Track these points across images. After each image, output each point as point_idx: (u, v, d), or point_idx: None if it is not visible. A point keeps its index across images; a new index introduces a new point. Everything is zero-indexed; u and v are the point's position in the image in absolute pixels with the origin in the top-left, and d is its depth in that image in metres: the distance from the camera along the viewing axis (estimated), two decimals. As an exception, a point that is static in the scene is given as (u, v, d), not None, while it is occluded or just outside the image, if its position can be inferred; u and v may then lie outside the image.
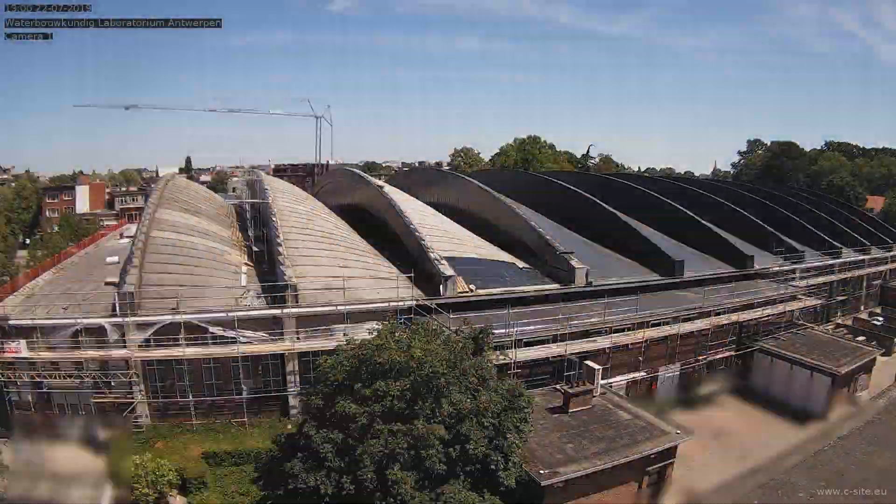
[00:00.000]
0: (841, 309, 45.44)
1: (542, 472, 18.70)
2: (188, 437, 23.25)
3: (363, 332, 24.78)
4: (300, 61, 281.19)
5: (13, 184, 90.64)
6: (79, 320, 23.25)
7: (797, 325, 36.02)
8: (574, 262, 30.01)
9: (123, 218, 75.83)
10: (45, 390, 23.76)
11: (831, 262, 43.51)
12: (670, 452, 21.56)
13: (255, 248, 32.75)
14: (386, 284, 27.81)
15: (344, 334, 25.06)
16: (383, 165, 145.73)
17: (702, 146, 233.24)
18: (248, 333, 24.55)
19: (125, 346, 23.51)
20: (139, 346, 23.56)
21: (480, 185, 40.53)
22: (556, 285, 29.80)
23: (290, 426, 22.78)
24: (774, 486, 23.02)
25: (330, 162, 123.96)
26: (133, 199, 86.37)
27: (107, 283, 26.30)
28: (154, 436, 23.23)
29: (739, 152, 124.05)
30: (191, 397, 24.46)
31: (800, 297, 36.41)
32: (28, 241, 62.85)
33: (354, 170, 53.06)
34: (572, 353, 26.14)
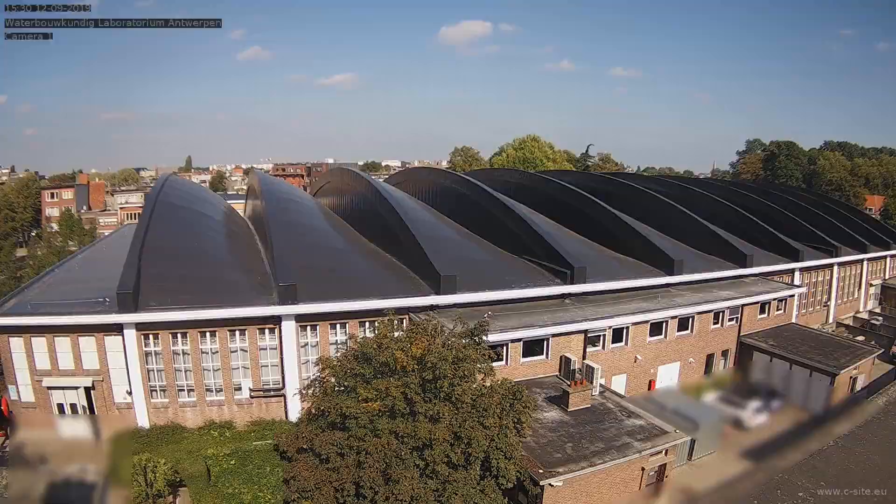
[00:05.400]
0: (840, 308, 45.52)
1: (541, 471, 18.72)
2: (188, 437, 23.23)
3: (363, 331, 25.14)
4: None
5: (13, 183, 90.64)
6: (78, 319, 23.21)
7: (796, 324, 36.13)
8: (573, 262, 30.01)
9: (123, 217, 76.11)
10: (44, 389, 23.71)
11: (830, 261, 43.55)
12: (669, 452, 21.57)
13: (254, 248, 32.74)
14: (385, 283, 27.83)
15: (345, 333, 25.37)
16: (383, 165, 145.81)
17: (701, 146, 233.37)
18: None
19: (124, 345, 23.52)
20: (138, 344, 23.55)
21: (480, 184, 40.49)
22: (555, 285, 29.78)
23: (291, 426, 22.76)
24: (774, 485, 22.99)
25: (329, 162, 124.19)
26: (133, 199, 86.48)
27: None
28: (153, 434, 23.21)
29: (738, 152, 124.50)
30: (189, 397, 24.48)
31: (798, 296, 36.46)
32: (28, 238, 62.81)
33: (353, 169, 53.04)
34: (571, 353, 26.18)
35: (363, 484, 16.41)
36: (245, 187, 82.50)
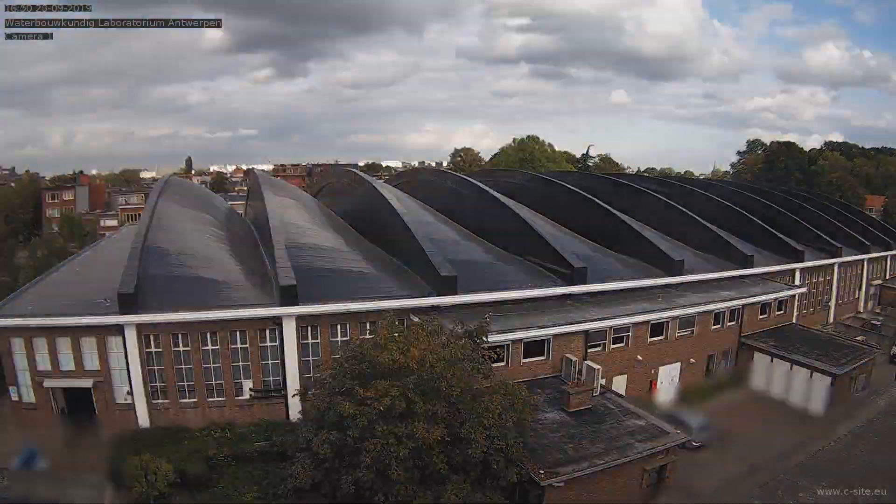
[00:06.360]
0: (840, 308, 45.51)
1: (541, 472, 18.72)
2: (189, 437, 23.22)
3: (364, 331, 25.13)
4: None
5: (13, 184, 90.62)
6: (77, 319, 23.20)
7: (797, 324, 36.15)
8: (574, 263, 30.02)
9: (124, 218, 76.09)
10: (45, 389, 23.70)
11: (831, 261, 43.55)
12: (670, 452, 21.57)
13: (255, 248, 32.74)
14: (386, 284, 27.83)
15: (345, 334, 25.36)
16: (384, 166, 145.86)
17: (702, 146, 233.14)
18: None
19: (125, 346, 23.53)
20: (139, 345, 23.55)
21: (480, 185, 40.54)
22: (556, 286, 29.79)
23: (291, 426, 22.74)
24: (774, 485, 23.06)
25: (330, 162, 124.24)
26: (133, 200, 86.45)
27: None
28: (154, 435, 23.20)
29: (739, 152, 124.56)
30: (190, 397, 24.48)
31: (799, 296, 36.46)
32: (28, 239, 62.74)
33: (353, 170, 53.13)
34: (572, 354, 26.17)
35: (361, 485, 16.41)
36: (246, 188, 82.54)
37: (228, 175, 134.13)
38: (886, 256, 50.55)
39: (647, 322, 28.50)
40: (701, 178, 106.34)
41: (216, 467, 21.63)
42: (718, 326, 31.51)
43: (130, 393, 23.86)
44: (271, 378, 25.24)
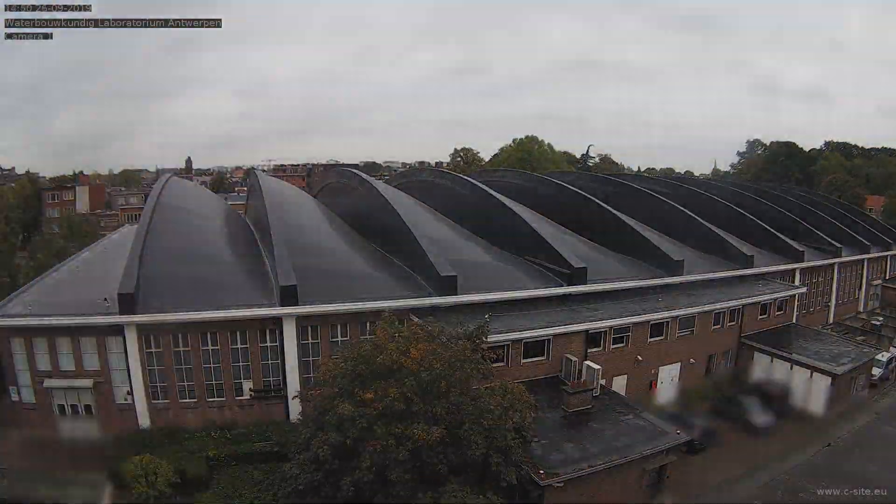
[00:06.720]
0: (840, 308, 45.53)
1: (541, 472, 18.73)
2: (188, 438, 23.23)
3: (364, 332, 25.14)
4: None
5: (13, 184, 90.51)
6: (77, 319, 23.20)
7: (797, 324, 36.14)
8: (573, 263, 30.01)
9: (123, 218, 76.10)
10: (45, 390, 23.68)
11: (831, 261, 43.56)
12: (670, 452, 21.57)
13: (255, 249, 32.73)
14: (386, 284, 27.83)
15: (345, 334, 25.36)
16: (383, 166, 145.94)
17: (702, 146, 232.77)
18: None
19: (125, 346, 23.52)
20: (139, 345, 23.55)
21: (480, 185, 40.52)
22: (555, 286, 29.78)
23: (291, 427, 22.76)
24: (774, 485, 23.09)
25: (329, 162, 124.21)
26: (133, 200, 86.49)
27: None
28: (154, 436, 23.21)
29: (739, 152, 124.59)
30: (190, 397, 24.48)
31: (799, 296, 36.41)
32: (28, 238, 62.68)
33: (353, 170, 53.05)
34: (572, 354, 26.17)
35: (361, 486, 16.40)
36: (245, 188, 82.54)
37: (228, 175, 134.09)
38: (886, 256, 50.57)
39: (647, 322, 28.47)
40: (701, 178, 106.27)
41: (216, 467, 21.67)
42: (718, 326, 31.48)
43: (130, 393, 23.87)
44: (271, 378, 25.25)
